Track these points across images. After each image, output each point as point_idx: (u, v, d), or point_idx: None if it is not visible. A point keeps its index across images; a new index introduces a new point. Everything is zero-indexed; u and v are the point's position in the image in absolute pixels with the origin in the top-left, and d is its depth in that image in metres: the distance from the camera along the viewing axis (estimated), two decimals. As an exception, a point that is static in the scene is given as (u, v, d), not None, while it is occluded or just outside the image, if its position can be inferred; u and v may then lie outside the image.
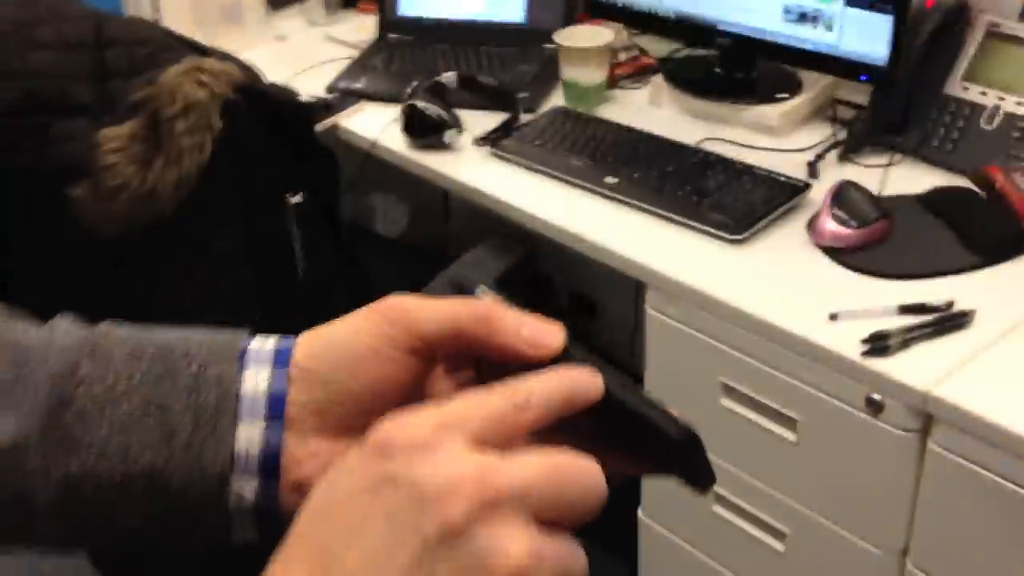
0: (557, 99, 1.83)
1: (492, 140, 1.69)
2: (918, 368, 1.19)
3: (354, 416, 0.46)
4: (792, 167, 1.57)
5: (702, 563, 1.54)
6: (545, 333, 0.46)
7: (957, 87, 1.57)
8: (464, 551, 0.36)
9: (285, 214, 1.37)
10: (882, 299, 1.28)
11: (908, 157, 1.58)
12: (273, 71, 1.72)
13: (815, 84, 1.73)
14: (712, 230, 1.44)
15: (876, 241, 1.39)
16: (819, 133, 1.67)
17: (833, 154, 1.60)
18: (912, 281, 1.33)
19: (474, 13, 2.04)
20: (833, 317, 1.26)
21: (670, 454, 0.45)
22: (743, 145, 1.65)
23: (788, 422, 1.32)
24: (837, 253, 1.38)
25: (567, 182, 1.59)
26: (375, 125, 1.76)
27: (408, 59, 1.99)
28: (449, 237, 2.48)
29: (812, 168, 1.56)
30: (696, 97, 1.76)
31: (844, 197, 1.42)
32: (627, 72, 1.88)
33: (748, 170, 1.54)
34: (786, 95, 1.71)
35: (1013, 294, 1.29)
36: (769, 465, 1.38)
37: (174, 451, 0.45)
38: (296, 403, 0.46)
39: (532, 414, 0.40)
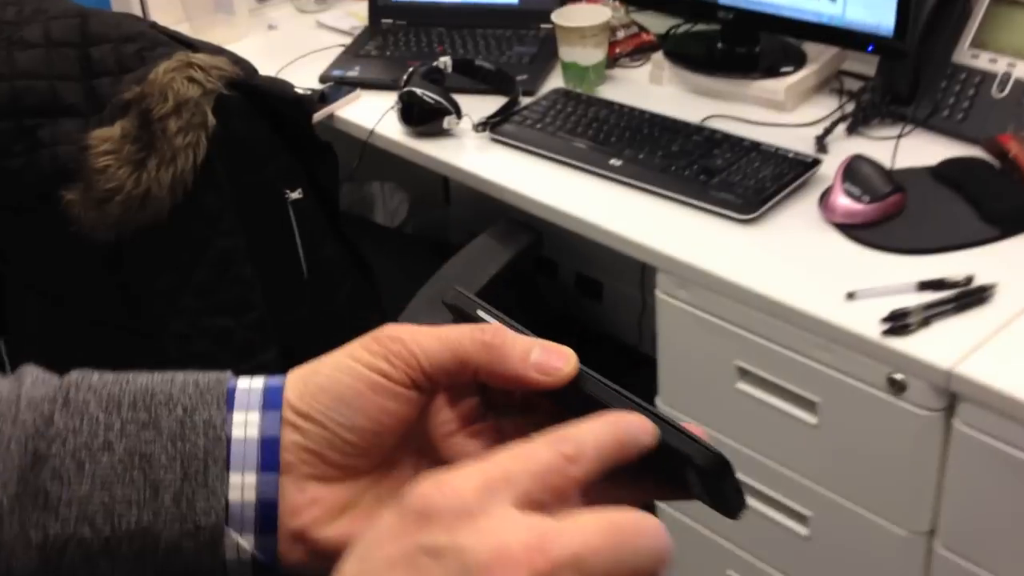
0: (556, 80, 1.80)
1: (492, 125, 1.65)
2: (940, 346, 1.16)
3: (354, 457, 0.43)
4: (800, 142, 1.53)
5: (724, 549, 1.52)
6: (556, 358, 0.43)
7: (966, 55, 1.53)
8: None
9: (284, 210, 1.34)
10: (899, 276, 1.25)
11: (918, 128, 1.54)
12: (265, 62, 1.68)
13: (820, 56, 1.69)
14: (721, 210, 1.40)
15: (890, 216, 1.36)
16: (826, 107, 1.63)
17: (841, 128, 1.56)
18: (929, 256, 1.30)
19: (468, -5, 2.00)
20: (851, 296, 1.23)
21: (699, 481, 0.42)
22: (748, 121, 1.62)
23: (807, 405, 1.29)
24: (851, 229, 1.35)
25: (570, 165, 1.55)
26: (372, 114, 1.73)
27: (402, 45, 1.95)
28: (450, 224, 2.45)
29: (820, 143, 1.53)
30: (698, 74, 1.73)
31: (855, 172, 1.38)
32: (626, 50, 1.84)
33: (755, 147, 1.51)
34: (790, 69, 1.67)
35: (1034, 265, 1.27)
36: (789, 449, 1.36)
37: (162, 506, 0.41)
38: (291, 448, 0.42)
39: (583, 467, 0.37)
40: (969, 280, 1.24)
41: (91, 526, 0.40)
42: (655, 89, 1.76)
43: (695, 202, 1.43)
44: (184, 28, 1.97)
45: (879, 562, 1.32)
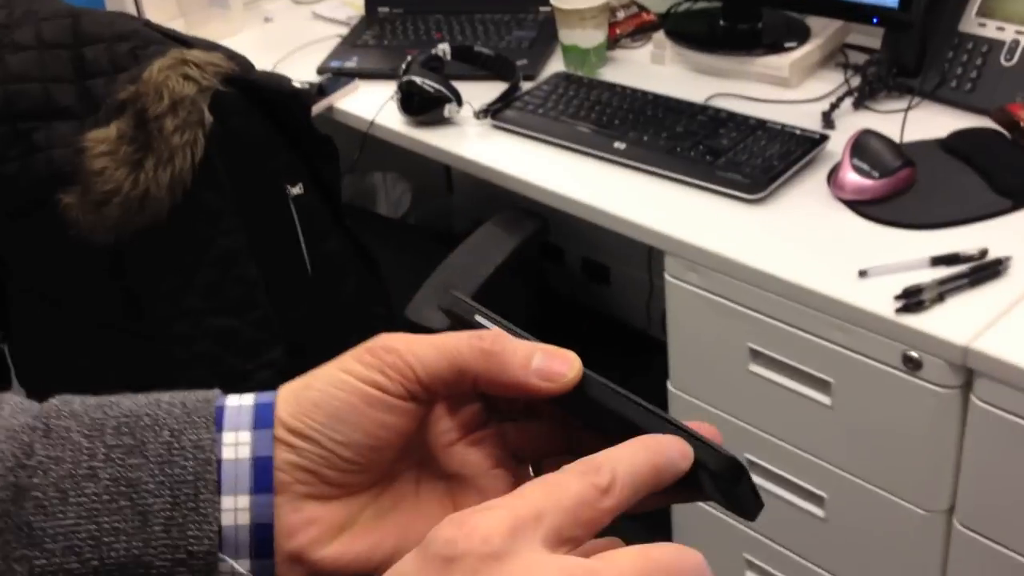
0: (556, 64, 1.78)
1: (493, 111, 1.63)
2: (955, 321, 1.14)
3: (352, 474, 0.41)
4: (806, 119, 1.51)
5: (740, 532, 1.50)
6: (558, 363, 0.41)
7: (973, 24, 1.51)
8: None
9: (286, 206, 1.32)
10: (912, 251, 1.23)
11: (926, 100, 1.52)
12: (261, 55, 1.67)
13: (823, 30, 1.66)
14: (728, 190, 1.38)
15: (900, 191, 1.34)
16: (831, 81, 1.61)
17: (848, 102, 1.54)
18: (941, 230, 1.28)
19: (464, -20, 1.97)
20: (863, 274, 1.21)
21: (713, 484, 0.40)
22: (753, 99, 1.60)
23: (822, 385, 1.28)
24: (861, 206, 1.33)
25: (574, 150, 1.54)
26: (371, 104, 1.71)
27: (399, 33, 1.93)
28: (453, 213, 2.43)
29: (827, 118, 1.51)
30: (700, 52, 1.70)
31: (864, 147, 1.36)
32: (627, 31, 1.82)
33: (761, 125, 1.49)
34: (794, 44, 1.65)
35: (1048, 237, 1.24)
36: (804, 430, 1.34)
37: (152, 534, 0.39)
38: (284, 467, 0.40)
39: (617, 498, 0.35)
40: (983, 254, 1.22)
41: (78, 558, 0.39)
42: (657, 69, 1.74)
43: (702, 183, 1.41)
44: (179, 24, 1.96)
45: (897, 542, 1.30)
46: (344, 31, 1.98)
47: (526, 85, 1.70)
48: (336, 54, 1.88)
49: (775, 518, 1.44)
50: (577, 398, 0.42)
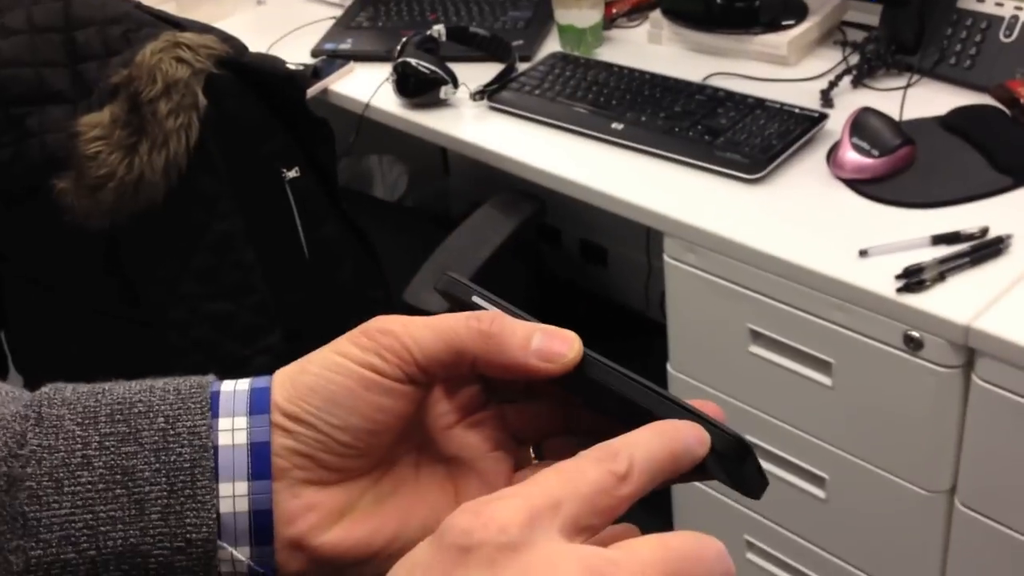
0: (553, 44, 1.76)
1: (489, 93, 1.62)
2: (957, 300, 1.13)
3: (350, 459, 0.41)
4: (805, 97, 1.50)
5: (741, 513, 1.50)
6: (558, 343, 0.40)
7: (971, -1, 1.50)
8: None
9: (282, 189, 1.31)
10: (912, 230, 1.23)
11: (925, 77, 1.51)
12: (255, 38, 1.65)
13: (821, 7, 1.65)
14: (728, 170, 1.38)
15: (900, 169, 1.33)
16: (830, 59, 1.60)
17: (846, 80, 1.53)
18: (942, 209, 1.27)
19: (459, -40, 1.95)
20: (863, 253, 1.20)
21: (718, 464, 0.39)
22: (751, 78, 1.59)
23: (822, 366, 1.27)
24: (861, 185, 1.32)
25: (571, 131, 1.53)
26: (366, 87, 1.70)
27: (394, 14, 1.92)
28: (450, 195, 2.42)
29: (826, 97, 1.50)
30: (697, 31, 1.69)
31: (863, 125, 1.35)
32: (623, 10, 1.81)
33: (760, 104, 1.48)
34: (792, 21, 1.64)
35: (1049, 214, 1.24)
36: (805, 411, 1.34)
37: (149, 523, 0.38)
38: (282, 453, 0.40)
39: (634, 485, 0.35)
40: (984, 232, 1.21)
41: (75, 548, 0.38)
42: (654, 49, 1.73)
43: (700, 163, 1.40)
44: (171, 6, 1.93)
45: (899, 522, 1.30)
46: (338, 13, 1.96)
47: (522, 66, 1.69)
48: (330, 36, 1.87)
49: (776, 499, 1.44)
50: (578, 378, 0.41)
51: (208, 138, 1.20)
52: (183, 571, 0.39)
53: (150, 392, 0.41)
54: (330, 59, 1.78)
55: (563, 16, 1.71)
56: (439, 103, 1.62)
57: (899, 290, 1.15)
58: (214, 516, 0.39)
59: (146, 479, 0.39)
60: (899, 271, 1.16)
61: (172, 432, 0.39)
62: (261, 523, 0.40)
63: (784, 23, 1.63)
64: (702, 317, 1.39)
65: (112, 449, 0.39)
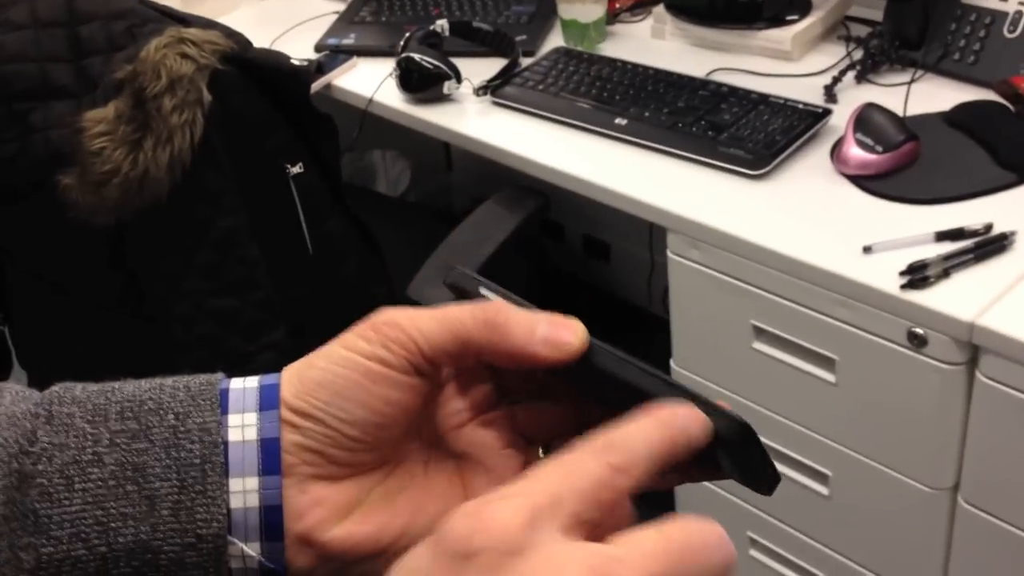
0: (556, 39, 1.76)
1: (492, 88, 1.62)
2: (961, 297, 1.13)
3: (359, 453, 0.41)
4: (809, 93, 1.50)
5: (744, 510, 1.50)
6: (564, 331, 0.40)
7: (976, -6, 1.50)
8: None
9: (286, 185, 1.31)
10: (916, 227, 1.23)
11: (929, 73, 1.51)
12: (258, 33, 1.65)
13: (825, 3, 1.65)
14: (731, 166, 1.37)
15: (904, 165, 1.33)
16: (833, 55, 1.60)
17: (850, 76, 1.53)
18: (946, 205, 1.27)
19: (462, -45, 1.95)
20: (867, 250, 1.20)
21: (726, 454, 0.39)
22: (755, 73, 1.58)
23: (826, 362, 1.27)
24: (865, 181, 1.32)
25: (574, 126, 1.52)
26: (370, 82, 1.70)
27: (397, 9, 1.92)
28: (453, 191, 2.42)
29: (830, 92, 1.50)
30: (701, 26, 1.69)
31: (867, 121, 1.35)
32: (627, 4, 1.80)
33: (763, 99, 1.48)
34: (795, 16, 1.63)
35: (1054, 211, 1.24)
36: (808, 407, 1.34)
37: (160, 519, 0.39)
38: (291, 448, 0.40)
39: (634, 476, 0.34)
40: (988, 228, 1.21)
41: (85, 545, 0.38)
42: (658, 44, 1.73)
43: (704, 159, 1.40)
44: (176, 1, 1.93)
45: (902, 520, 1.30)
46: (341, 7, 1.96)
47: (525, 61, 1.68)
48: (333, 31, 1.87)
49: (779, 496, 1.43)
50: (584, 369, 0.41)
51: (212, 134, 1.20)
52: (194, 567, 0.39)
53: (160, 390, 0.41)
54: (333, 54, 1.78)
55: (566, 11, 1.71)
56: (442, 98, 1.62)
57: (903, 287, 1.15)
58: (224, 512, 0.39)
59: (157, 475, 0.39)
60: (903, 267, 1.16)
61: (182, 429, 0.40)
62: (271, 519, 0.40)
63: (788, 18, 1.63)
64: (705, 313, 1.39)
65: (123, 446, 0.39)
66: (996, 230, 1.21)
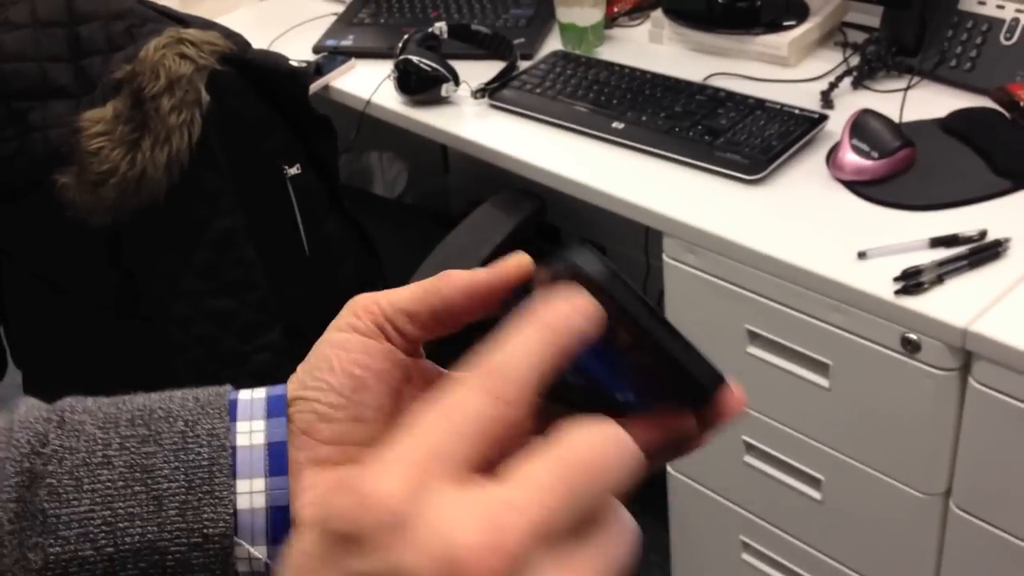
0: (554, 43, 1.77)
1: (490, 91, 1.62)
2: (955, 303, 1.14)
3: (342, 423, 0.41)
4: (805, 98, 1.50)
5: (736, 514, 1.51)
6: (509, 260, 0.41)
7: (972, 2, 1.50)
8: None
9: (284, 186, 1.31)
10: (911, 233, 1.23)
11: (925, 79, 1.52)
12: (257, 34, 1.65)
13: (822, 8, 1.66)
14: (727, 171, 1.38)
15: (900, 171, 1.34)
16: (830, 60, 1.60)
17: (847, 81, 1.53)
18: (941, 211, 1.28)
19: (461, -43, 1.96)
20: (862, 255, 1.21)
21: (695, 404, 0.37)
22: (752, 78, 1.59)
23: (820, 367, 1.28)
24: (860, 187, 1.33)
25: (572, 130, 1.53)
26: (368, 83, 1.70)
27: (396, 11, 1.92)
28: (450, 193, 2.43)
29: (826, 98, 1.50)
30: (699, 31, 1.69)
31: (863, 127, 1.36)
32: (625, 8, 1.81)
33: (760, 105, 1.48)
34: (793, 22, 1.64)
35: (1048, 218, 1.24)
36: (802, 412, 1.34)
37: (167, 518, 0.39)
38: (296, 460, 0.41)
39: (524, 398, 0.31)
40: (982, 235, 1.22)
41: (92, 545, 0.39)
42: (655, 48, 1.73)
43: (700, 164, 1.40)
44: (175, 2, 1.94)
45: (894, 525, 1.31)
46: (340, 9, 1.97)
47: (523, 64, 1.69)
48: (332, 32, 1.87)
49: (772, 500, 1.44)
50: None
51: (210, 134, 1.20)
52: (200, 568, 0.39)
53: (169, 400, 0.42)
54: (332, 55, 1.79)
55: (565, 14, 1.71)
56: (440, 101, 1.63)
57: (897, 292, 1.16)
58: (231, 511, 0.40)
59: (165, 476, 0.40)
60: (897, 273, 1.17)
61: (191, 434, 0.40)
62: (278, 520, 0.40)
63: (785, 24, 1.64)
64: (700, 317, 1.40)
65: (132, 449, 0.40)
66: (990, 237, 1.21)
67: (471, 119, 1.60)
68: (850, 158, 1.34)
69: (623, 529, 0.31)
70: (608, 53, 1.72)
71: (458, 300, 0.42)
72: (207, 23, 1.26)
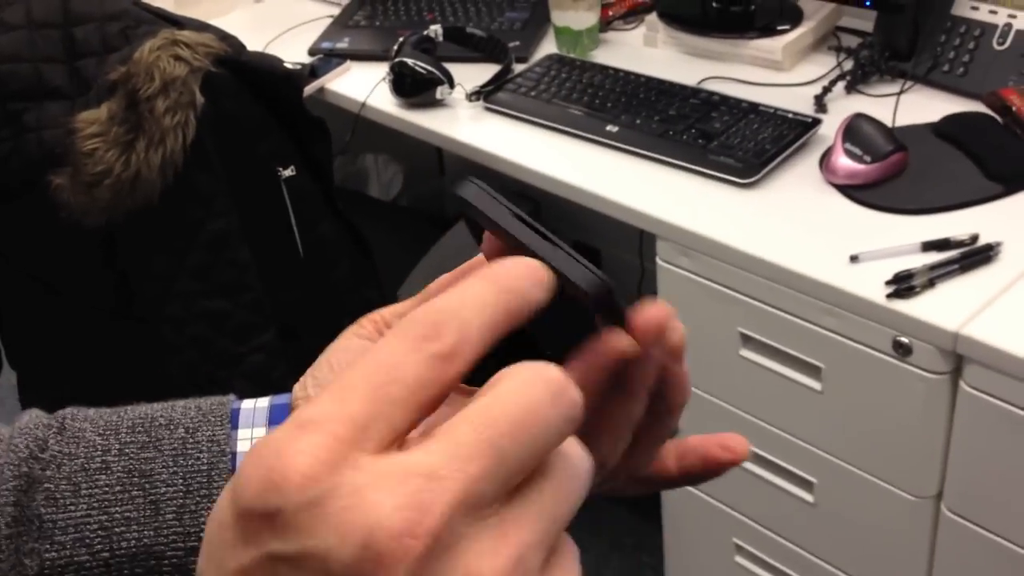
0: (549, 46, 1.77)
1: (485, 94, 1.63)
2: (946, 307, 1.14)
3: None
4: (799, 102, 1.51)
5: (729, 516, 1.51)
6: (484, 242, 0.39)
7: (965, 7, 1.51)
8: None
9: (278, 188, 1.31)
10: (903, 236, 1.24)
11: (918, 84, 1.52)
12: (252, 36, 1.66)
13: (816, 13, 1.66)
14: (721, 174, 1.38)
15: (892, 175, 1.34)
16: (824, 65, 1.61)
17: (840, 86, 1.54)
18: (933, 215, 1.28)
19: (456, -40, 1.96)
20: (854, 259, 1.21)
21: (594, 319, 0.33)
22: (745, 82, 1.59)
23: (812, 370, 1.28)
24: (853, 191, 1.33)
25: (566, 133, 1.53)
26: (363, 86, 1.70)
27: (391, 13, 1.92)
28: (445, 195, 2.43)
29: (820, 102, 1.51)
30: (693, 34, 1.70)
31: (856, 131, 1.36)
32: (620, 12, 1.81)
33: (753, 108, 1.49)
34: (787, 26, 1.64)
35: (1039, 222, 1.25)
36: (794, 415, 1.35)
37: (163, 522, 0.39)
38: None
39: (465, 359, 0.28)
40: (974, 239, 1.22)
41: (89, 550, 0.39)
42: (650, 52, 1.74)
43: (694, 167, 1.41)
44: (170, 3, 1.94)
45: (886, 527, 1.31)
46: (336, 11, 1.97)
47: (518, 67, 1.69)
48: (327, 35, 1.87)
49: (764, 503, 1.45)
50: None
51: (205, 136, 1.20)
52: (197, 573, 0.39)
53: (171, 408, 0.42)
54: (327, 58, 1.79)
55: (560, 18, 1.72)
56: (435, 103, 1.63)
57: (889, 296, 1.16)
58: None
59: (163, 481, 0.39)
60: (889, 277, 1.17)
61: (192, 440, 0.40)
62: None
63: (779, 28, 1.64)
64: (693, 320, 1.40)
65: (132, 455, 0.40)
66: (982, 241, 1.22)
67: (466, 122, 1.61)
68: (843, 162, 1.34)
69: (570, 476, 0.28)
70: (603, 56, 1.72)
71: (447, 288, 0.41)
72: (202, 25, 1.26)
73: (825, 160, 1.38)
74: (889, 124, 1.41)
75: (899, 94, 1.50)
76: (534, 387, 0.27)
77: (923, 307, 1.15)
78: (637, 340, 0.34)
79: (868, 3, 1.54)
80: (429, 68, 1.61)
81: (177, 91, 1.16)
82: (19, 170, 1.23)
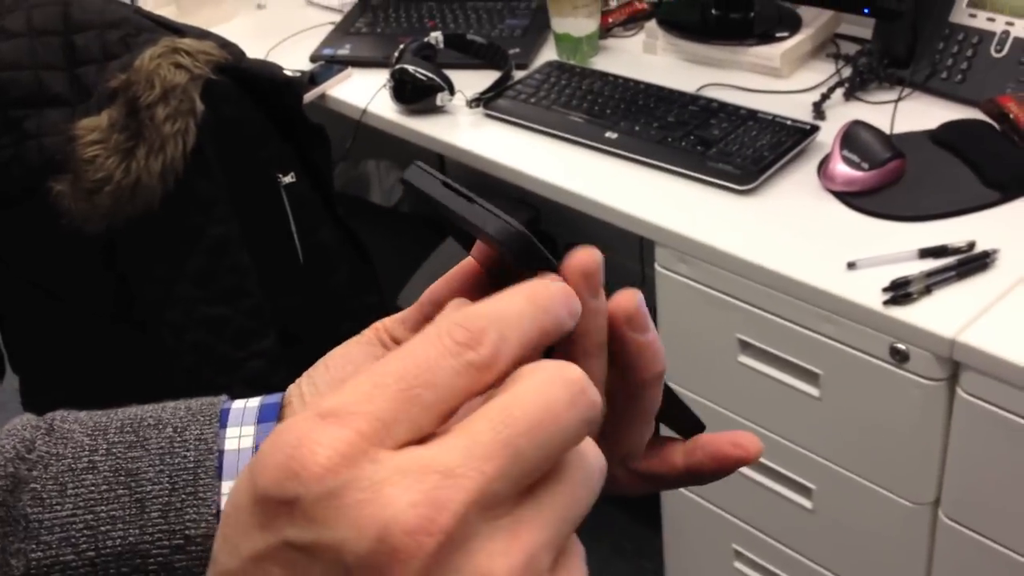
0: (549, 53, 1.78)
1: (485, 100, 1.63)
2: (943, 314, 1.14)
3: None
4: (797, 109, 1.51)
5: (728, 523, 1.51)
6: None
7: (963, 14, 1.51)
8: None
9: (278, 195, 1.32)
10: (900, 243, 1.24)
11: (916, 91, 1.53)
12: (254, 43, 1.66)
13: (815, 20, 1.67)
14: (719, 181, 1.39)
15: (890, 182, 1.34)
16: (822, 72, 1.61)
17: (839, 93, 1.54)
18: (930, 222, 1.28)
19: (457, -32, 1.97)
20: (851, 266, 1.22)
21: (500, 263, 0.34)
22: (744, 89, 1.60)
23: (810, 377, 1.28)
24: (851, 197, 1.34)
25: (566, 140, 1.54)
26: (364, 92, 1.71)
27: (392, 20, 1.93)
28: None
29: (818, 109, 1.51)
30: (692, 41, 1.70)
31: (854, 138, 1.37)
32: (619, 19, 1.82)
33: (752, 115, 1.49)
34: (786, 34, 1.65)
35: (1036, 230, 1.25)
36: (792, 421, 1.35)
37: (149, 520, 0.39)
38: None
39: (497, 374, 0.28)
40: (971, 246, 1.22)
41: (74, 549, 0.39)
42: (649, 59, 1.74)
43: (693, 174, 1.41)
44: (171, 11, 1.95)
45: (884, 534, 1.31)
46: (337, 18, 1.98)
47: (518, 74, 1.70)
48: (329, 41, 1.88)
49: (763, 509, 1.45)
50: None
51: (205, 143, 1.21)
52: (184, 571, 0.39)
53: (161, 409, 0.42)
54: (328, 64, 1.80)
55: (560, 25, 1.72)
56: (435, 110, 1.64)
57: (886, 303, 1.16)
58: (214, 512, 0.39)
59: (149, 479, 0.39)
60: (886, 284, 1.18)
61: (179, 439, 0.40)
62: None
63: (778, 35, 1.65)
64: (692, 327, 1.41)
65: (118, 454, 0.40)
66: (979, 248, 1.22)
67: (466, 128, 1.61)
68: (841, 169, 1.35)
69: (584, 477, 0.28)
70: (602, 63, 1.73)
71: (443, 293, 0.42)
72: (202, 33, 1.27)
73: (823, 167, 1.38)
74: (887, 131, 1.41)
75: (897, 101, 1.50)
76: (553, 387, 0.27)
77: (920, 314, 1.15)
78: (577, 285, 0.34)
79: (867, 10, 1.54)
80: (430, 75, 1.62)
81: (177, 98, 1.16)
82: (20, 177, 1.23)
